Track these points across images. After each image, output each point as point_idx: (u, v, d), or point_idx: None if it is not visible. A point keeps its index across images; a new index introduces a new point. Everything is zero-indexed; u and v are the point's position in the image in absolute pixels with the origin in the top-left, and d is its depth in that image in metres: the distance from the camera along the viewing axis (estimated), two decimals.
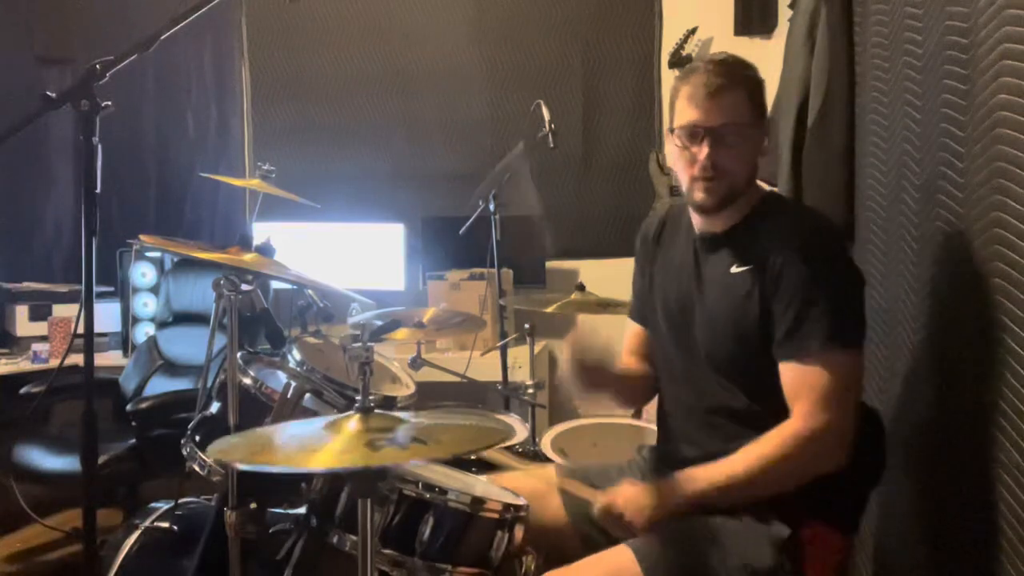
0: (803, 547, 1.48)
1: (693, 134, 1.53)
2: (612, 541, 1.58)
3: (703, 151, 1.51)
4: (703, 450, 1.56)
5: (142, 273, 3.80)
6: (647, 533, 1.51)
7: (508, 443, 2.11)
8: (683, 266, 1.66)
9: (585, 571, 1.51)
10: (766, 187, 1.65)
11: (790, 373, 1.48)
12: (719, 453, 1.51)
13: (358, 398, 1.29)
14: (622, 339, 1.87)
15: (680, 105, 1.55)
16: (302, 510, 1.69)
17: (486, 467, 2.09)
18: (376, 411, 1.29)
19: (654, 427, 1.91)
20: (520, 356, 3.07)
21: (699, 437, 1.60)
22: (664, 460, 1.70)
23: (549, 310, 2.34)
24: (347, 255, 3.72)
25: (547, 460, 2.20)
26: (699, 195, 1.55)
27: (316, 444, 1.25)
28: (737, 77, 1.53)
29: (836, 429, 1.45)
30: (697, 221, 1.64)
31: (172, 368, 3.47)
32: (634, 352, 1.84)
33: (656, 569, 1.47)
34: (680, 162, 1.57)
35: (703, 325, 1.60)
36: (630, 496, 1.52)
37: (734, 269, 1.56)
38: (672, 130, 1.57)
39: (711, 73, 1.52)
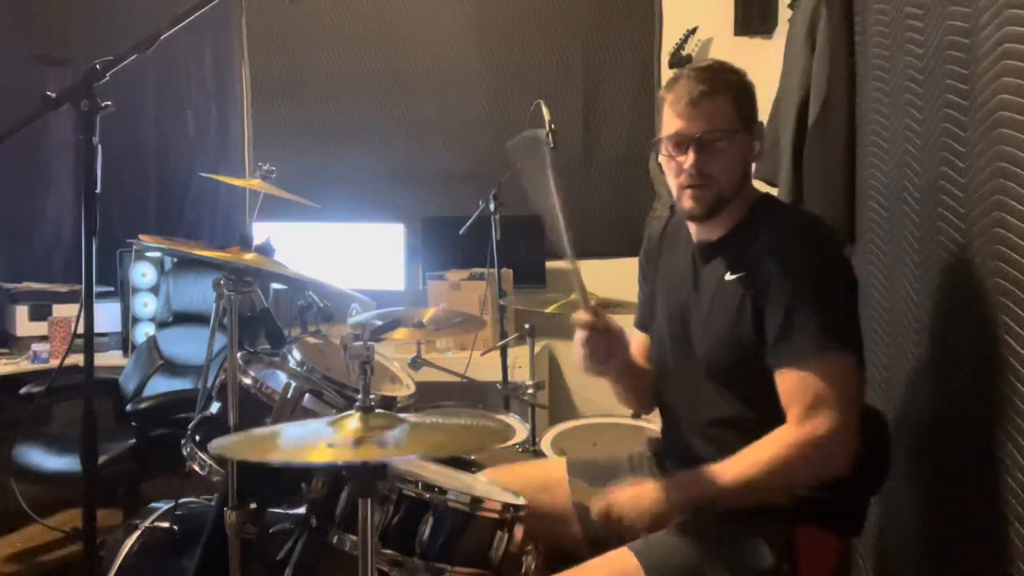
0: (800, 551, 1.47)
1: (678, 143, 1.53)
2: (616, 535, 1.58)
3: (689, 159, 1.51)
4: (703, 462, 1.54)
5: (142, 273, 3.80)
6: (647, 533, 1.51)
7: (508, 443, 2.11)
8: (682, 276, 1.66)
9: (588, 574, 1.51)
10: (762, 191, 1.65)
11: (784, 379, 1.46)
12: None
13: (358, 397, 1.29)
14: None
15: (665, 115, 1.55)
16: (302, 510, 1.68)
17: None
18: (377, 410, 1.28)
19: (654, 427, 1.90)
20: (520, 356, 3.07)
21: (699, 448, 1.59)
22: (669, 463, 1.70)
23: (549, 310, 2.33)
24: (347, 255, 3.71)
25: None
26: (688, 203, 1.55)
27: (315, 440, 1.25)
28: (720, 83, 1.52)
29: (834, 434, 1.41)
30: (694, 230, 1.63)
31: (172, 368, 3.47)
32: (641, 361, 1.83)
33: (658, 572, 1.47)
34: (669, 172, 1.57)
35: (701, 335, 1.59)
36: (630, 497, 1.51)
37: (727, 277, 1.55)
38: (660, 140, 1.57)
39: (693, 80, 1.51)
